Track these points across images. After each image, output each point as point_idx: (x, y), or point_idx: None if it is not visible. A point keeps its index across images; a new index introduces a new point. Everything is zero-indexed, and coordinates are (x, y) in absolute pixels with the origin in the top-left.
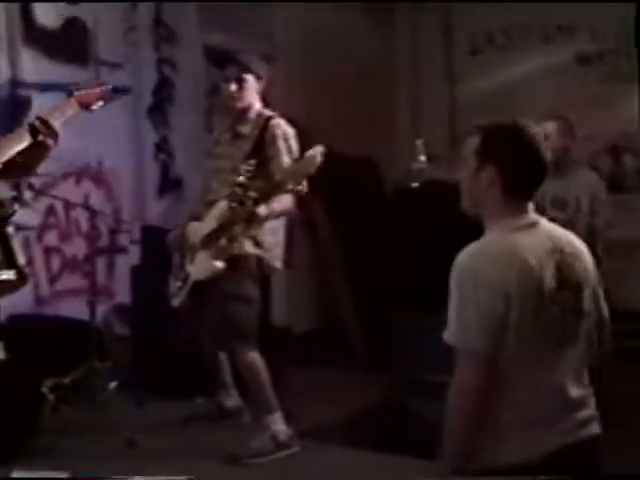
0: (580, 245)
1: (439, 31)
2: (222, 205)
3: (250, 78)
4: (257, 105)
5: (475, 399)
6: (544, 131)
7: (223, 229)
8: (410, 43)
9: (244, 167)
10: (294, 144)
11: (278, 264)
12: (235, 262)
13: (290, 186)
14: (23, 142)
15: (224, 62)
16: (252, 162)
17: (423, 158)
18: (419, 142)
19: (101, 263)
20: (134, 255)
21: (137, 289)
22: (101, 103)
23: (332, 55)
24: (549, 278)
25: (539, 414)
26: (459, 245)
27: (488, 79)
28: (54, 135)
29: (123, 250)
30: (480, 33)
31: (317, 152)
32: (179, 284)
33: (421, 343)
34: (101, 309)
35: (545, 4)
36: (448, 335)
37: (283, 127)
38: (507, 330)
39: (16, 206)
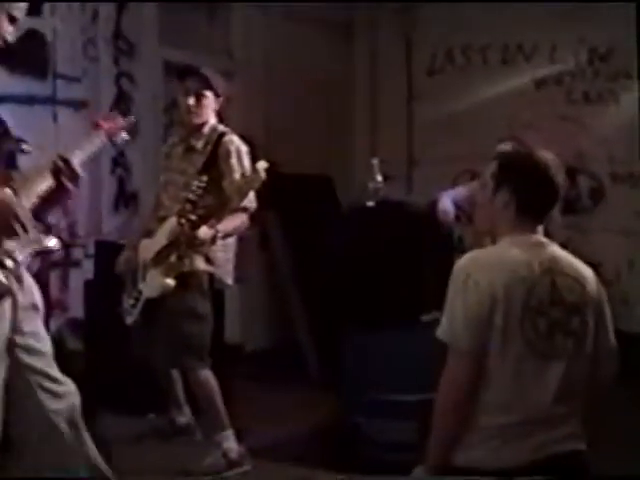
0: (585, 272)
1: (399, 50)
2: (172, 221)
3: (209, 94)
4: (212, 120)
5: (460, 394)
6: None
7: (173, 246)
8: (369, 61)
9: (195, 183)
10: (247, 161)
11: (229, 280)
12: (186, 279)
13: (236, 203)
14: (45, 182)
15: (185, 75)
16: (203, 178)
17: (379, 177)
18: (375, 161)
19: (55, 277)
20: (88, 269)
21: (91, 304)
22: (125, 135)
23: (291, 71)
24: (541, 293)
25: (514, 422)
26: (412, 265)
27: (447, 99)
28: (75, 178)
29: (77, 264)
30: (440, 53)
31: (260, 167)
32: (132, 302)
33: (371, 362)
34: (54, 323)
35: (505, 23)
36: (440, 332)
37: (236, 143)
38: (492, 331)
39: None
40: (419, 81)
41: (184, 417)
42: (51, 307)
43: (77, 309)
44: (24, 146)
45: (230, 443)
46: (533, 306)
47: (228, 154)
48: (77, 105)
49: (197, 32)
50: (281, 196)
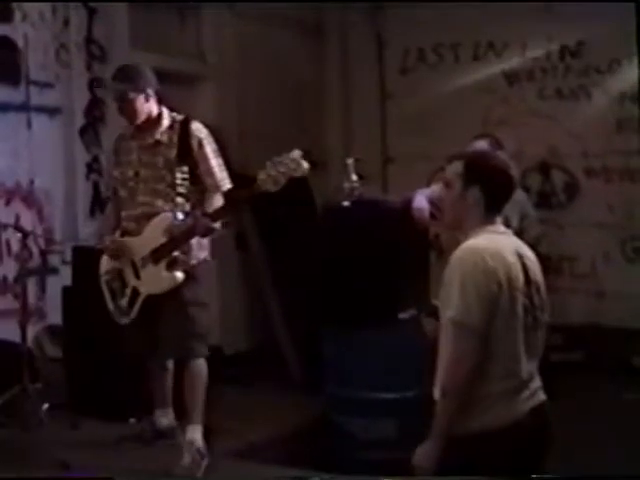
0: (533, 254)
1: (370, 49)
2: (166, 217)
3: (134, 94)
4: (157, 110)
5: (472, 366)
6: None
7: (177, 242)
8: (341, 61)
9: (179, 175)
10: (215, 145)
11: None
12: (191, 268)
13: (270, 188)
14: None
15: (107, 84)
16: (184, 169)
17: (354, 177)
18: (350, 161)
19: (32, 284)
20: (65, 276)
21: (69, 310)
22: None
23: (263, 73)
24: (520, 275)
25: (513, 383)
26: (389, 263)
27: (420, 97)
28: None
29: (54, 271)
30: (411, 51)
31: (297, 156)
32: (126, 301)
33: (352, 361)
34: (32, 330)
35: (475, 20)
36: (454, 313)
37: (203, 130)
38: (498, 311)
39: None
40: (392, 80)
41: (167, 419)
42: (29, 314)
43: (55, 316)
44: None
45: (196, 435)
46: (519, 287)
47: (200, 143)
48: (51, 111)
49: (169, 36)
50: (257, 197)
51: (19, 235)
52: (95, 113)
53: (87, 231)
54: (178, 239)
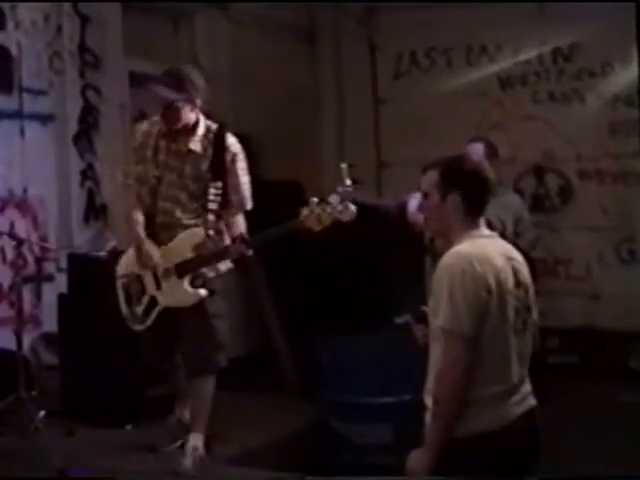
0: (521, 256)
1: (363, 54)
2: (197, 233)
3: (185, 105)
4: (195, 118)
5: (463, 373)
6: (475, 153)
7: (206, 261)
8: (334, 66)
9: (212, 191)
10: (245, 162)
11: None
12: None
13: (314, 228)
14: None
15: (151, 87)
16: (219, 185)
17: (348, 182)
18: (344, 166)
19: (27, 292)
20: (61, 283)
21: (64, 317)
22: None
23: (257, 78)
24: (510, 278)
25: (504, 388)
26: (384, 267)
27: (413, 102)
28: None
29: (50, 278)
30: (404, 56)
31: (352, 206)
32: (142, 308)
33: (347, 365)
34: (28, 338)
35: (468, 24)
36: (443, 322)
37: (237, 145)
38: (488, 317)
39: None
40: (385, 84)
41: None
42: (24, 322)
43: (51, 323)
44: None
45: (199, 442)
46: (509, 290)
47: (234, 159)
48: (44, 119)
49: (162, 42)
50: (252, 203)
51: (13, 243)
52: (89, 120)
53: (82, 238)
54: (208, 258)
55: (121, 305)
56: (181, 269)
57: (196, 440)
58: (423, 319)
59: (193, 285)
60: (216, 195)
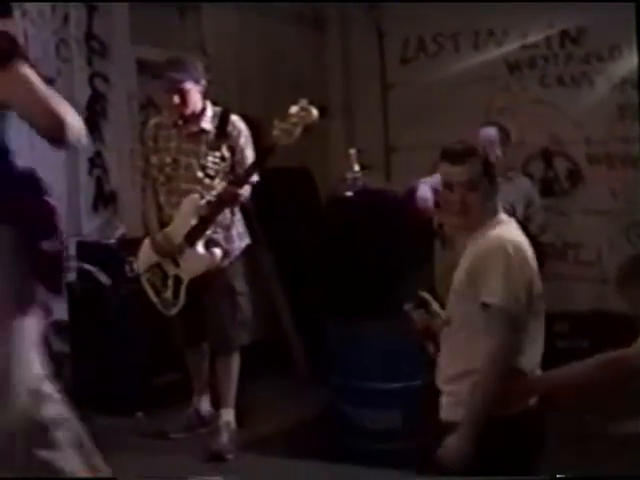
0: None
1: (371, 40)
2: (193, 199)
3: (190, 85)
4: (202, 104)
5: (512, 353)
6: (489, 137)
7: (208, 218)
8: (342, 52)
9: (210, 159)
10: (251, 140)
11: None
12: (232, 262)
13: (284, 141)
14: None
15: (162, 71)
16: (217, 154)
17: (357, 167)
18: (352, 151)
19: None
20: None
21: (74, 305)
22: None
23: (265, 65)
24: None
25: (532, 369)
26: (393, 253)
27: (421, 87)
28: None
29: None
30: (412, 41)
31: (305, 104)
32: (170, 292)
33: (357, 351)
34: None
35: (474, 9)
36: (499, 300)
37: (242, 123)
38: (532, 299)
39: None
40: (393, 70)
41: (207, 405)
42: None
43: (61, 312)
44: None
45: (231, 417)
46: (536, 274)
47: (239, 133)
48: None
49: (169, 30)
50: (260, 189)
51: None
52: (96, 108)
53: (91, 226)
54: (208, 215)
55: (151, 297)
56: (190, 237)
57: (228, 415)
58: (423, 305)
59: (207, 248)
60: (214, 163)
